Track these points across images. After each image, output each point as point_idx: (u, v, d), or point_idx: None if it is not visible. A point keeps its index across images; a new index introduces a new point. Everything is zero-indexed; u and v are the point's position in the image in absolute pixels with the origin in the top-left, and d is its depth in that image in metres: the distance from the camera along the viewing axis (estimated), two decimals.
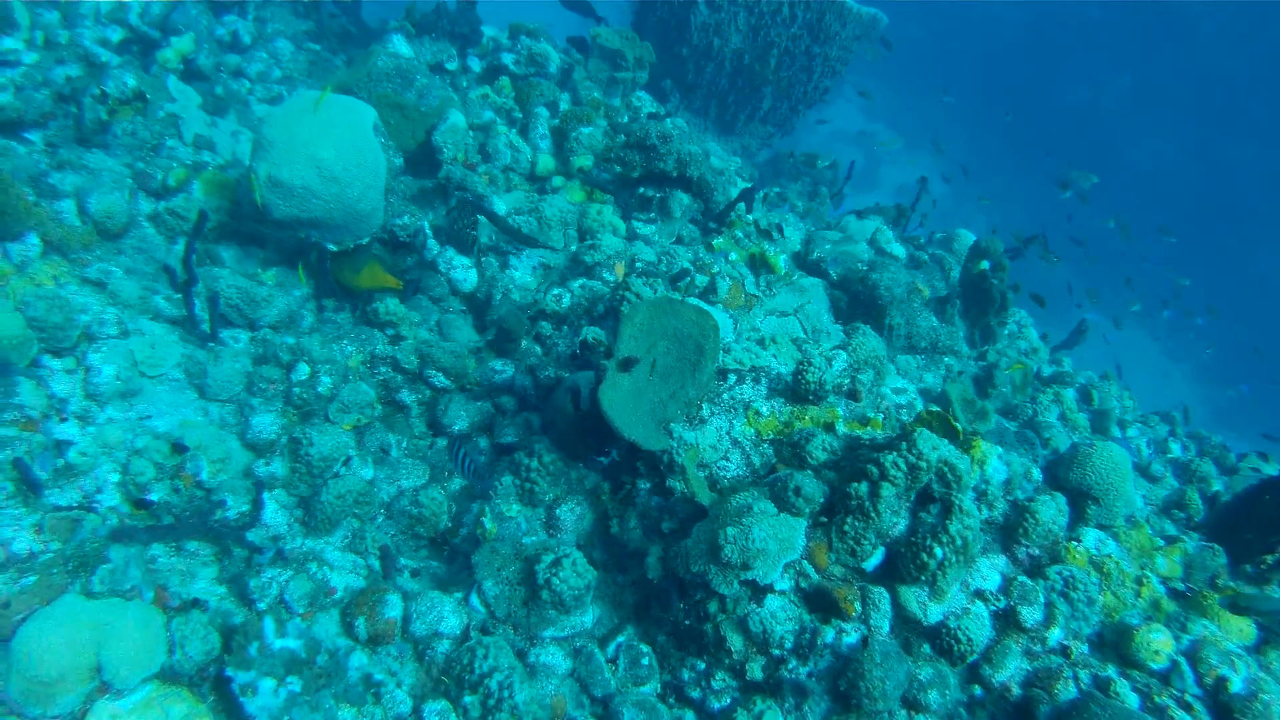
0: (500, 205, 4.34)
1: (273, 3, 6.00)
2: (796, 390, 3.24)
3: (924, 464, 2.79)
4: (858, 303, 4.49)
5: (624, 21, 7.38)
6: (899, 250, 5.78)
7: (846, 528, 2.77)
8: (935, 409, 3.27)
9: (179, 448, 3.12)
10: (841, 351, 3.55)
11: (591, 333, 3.49)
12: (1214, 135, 15.71)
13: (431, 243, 4.18)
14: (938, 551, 2.69)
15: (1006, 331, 5.54)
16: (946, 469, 2.86)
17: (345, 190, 3.64)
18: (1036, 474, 3.50)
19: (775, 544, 2.66)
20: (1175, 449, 5.19)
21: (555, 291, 3.83)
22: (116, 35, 4.84)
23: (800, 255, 4.78)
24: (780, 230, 4.82)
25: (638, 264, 4.19)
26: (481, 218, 4.05)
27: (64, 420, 3.16)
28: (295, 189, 3.57)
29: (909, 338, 4.59)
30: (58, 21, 4.68)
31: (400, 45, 4.83)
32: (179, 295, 3.67)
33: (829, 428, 3.16)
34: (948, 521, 2.81)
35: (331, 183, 3.60)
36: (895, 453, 2.80)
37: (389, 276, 3.68)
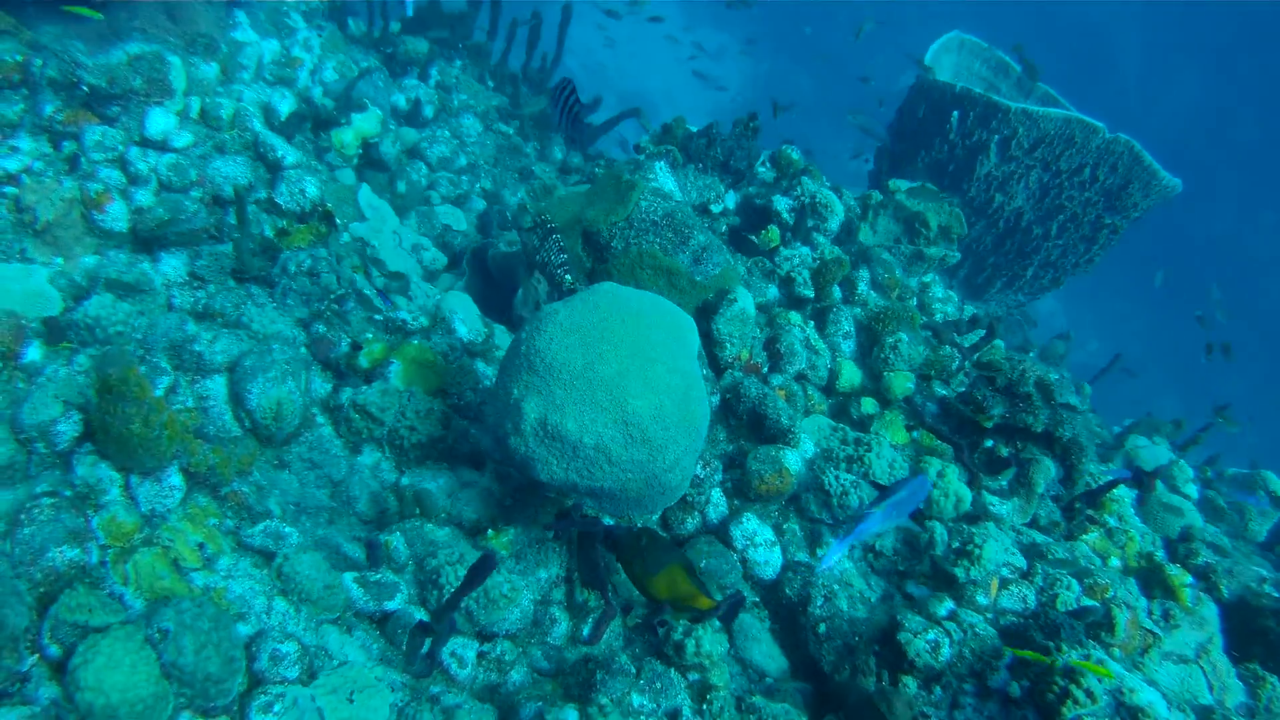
0: (808, 443, 3.08)
1: (456, 64, 4.77)
2: None
3: None
4: (1259, 640, 3.24)
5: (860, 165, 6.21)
6: (1192, 490, 4.56)
7: None
8: None
9: None
10: None
11: None
12: None
13: (717, 494, 2.91)
14: None
15: None
16: None
17: (655, 457, 2.36)
18: None
19: None
20: None
21: (930, 637, 2.55)
22: (286, 105, 3.58)
23: (1170, 543, 3.53)
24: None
25: (1003, 569, 2.93)
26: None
27: None
28: (583, 449, 2.29)
29: None
30: (216, 78, 3.42)
31: (665, 178, 3.57)
32: (376, 575, 2.38)
33: None
34: None
35: (640, 446, 2.33)
36: None
37: (697, 592, 2.38)
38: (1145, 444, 4.76)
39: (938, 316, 4.03)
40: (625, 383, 2.29)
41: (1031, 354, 5.03)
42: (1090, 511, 3.27)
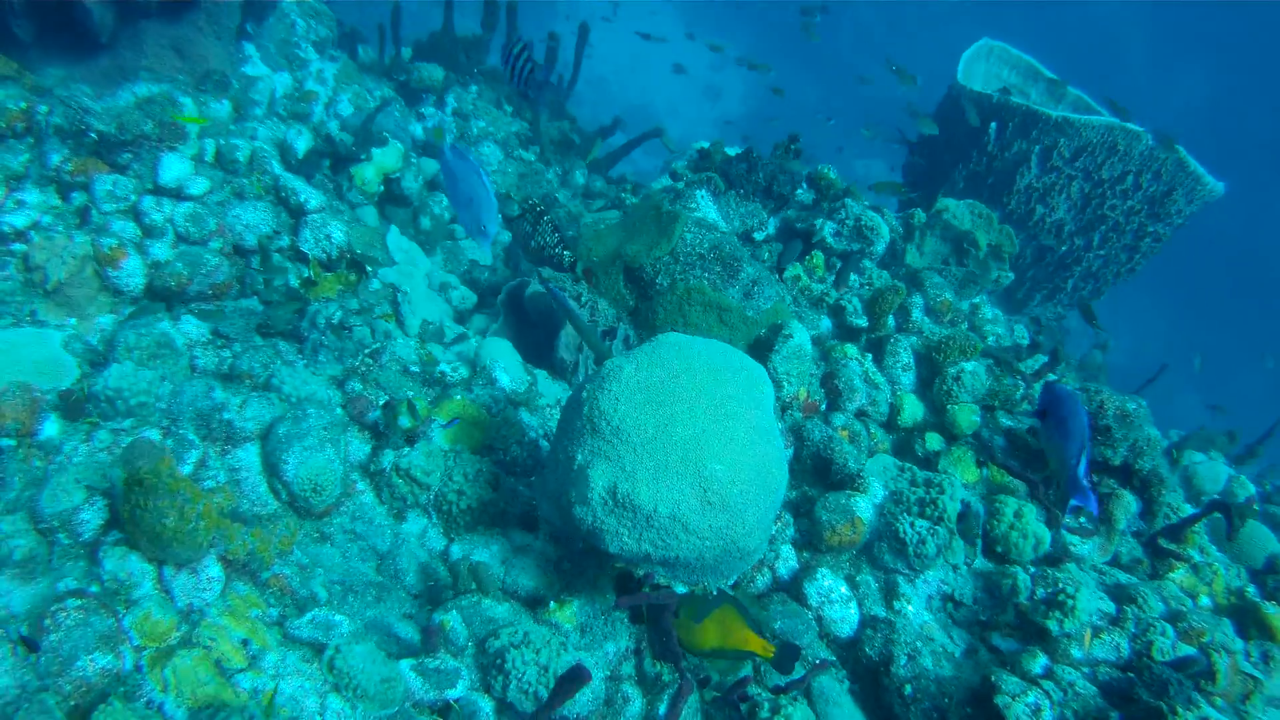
0: (877, 487, 2.88)
1: (472, 90, 4.58)
2: None
3: None
4: None
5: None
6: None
7: None
8: None
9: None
10: None
11: None
12: None
13: (787, 550, 2.72)
14: None
15: None
16: None
17: (735, 522, 2.17)
18: None
19: None
20: None
21: (1030, 700, 2.36)
22: (302, 142, 3.39)
23: (1256, 574, 3.33)
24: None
25: (1094, 616, 2.74)
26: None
27: None
28: (657, 518, 2.10)
29: None
30: (229, 116, 3.23)
31: (707, 207, 3.38)
32: (435, 662, 2.18)
33: None
34: None
35: (718, 512, 2.13)
36: None
37: (753, 635, 2.20)
38: (1202, 459, 4.57)
39: (990, 339, 3.84)
40: (702, 445, 2.10)
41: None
42: (1174, 546, 3.08)
